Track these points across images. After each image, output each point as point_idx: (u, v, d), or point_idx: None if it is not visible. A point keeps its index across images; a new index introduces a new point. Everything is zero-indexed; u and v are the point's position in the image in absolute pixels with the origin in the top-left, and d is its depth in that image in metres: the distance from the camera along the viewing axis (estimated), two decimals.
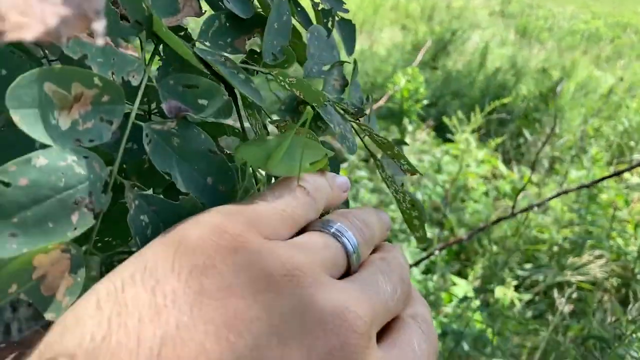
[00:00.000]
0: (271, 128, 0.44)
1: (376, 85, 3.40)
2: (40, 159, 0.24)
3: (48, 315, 0.25)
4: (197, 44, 0.37)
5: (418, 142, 2.13)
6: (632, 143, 2.99)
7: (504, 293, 1.61)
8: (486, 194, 2.29)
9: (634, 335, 1.01)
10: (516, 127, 3.23)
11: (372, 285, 0.28)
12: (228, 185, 0.33)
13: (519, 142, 3.17)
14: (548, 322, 1.40)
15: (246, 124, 0.41)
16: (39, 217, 0.24)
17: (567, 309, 1.67)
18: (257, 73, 0.39)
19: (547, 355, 1.54)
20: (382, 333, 0.29)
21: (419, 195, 1.78)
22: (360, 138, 0.44)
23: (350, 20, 0.49)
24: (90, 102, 0.27)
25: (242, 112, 0.39)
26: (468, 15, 6.18)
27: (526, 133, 3.10)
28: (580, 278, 1.79)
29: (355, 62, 0.45)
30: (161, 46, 0.35)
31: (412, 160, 1.83)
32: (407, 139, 1.76)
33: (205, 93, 0.33)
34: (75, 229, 0.25)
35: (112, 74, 0.29)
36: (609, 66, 4.90)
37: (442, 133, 2.53)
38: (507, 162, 2.90)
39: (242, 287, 0.24)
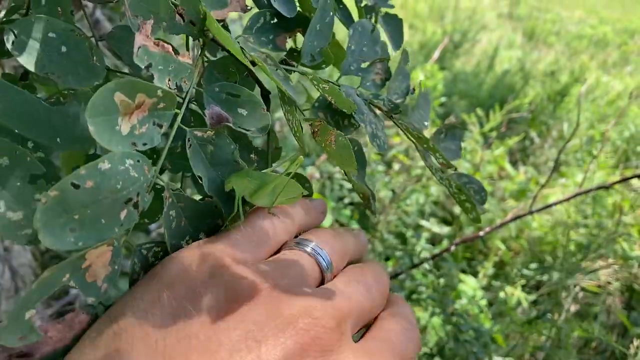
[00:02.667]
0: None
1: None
2: (105, 163, 0.26)
3: (89, 300, 0.28)
4: (241, 38, 0.39)
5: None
6: (638, 148, 3.00)
7: (512, 293, 1.63)
8: (492, 194, 2.30)
9: None
10: (523, 129, 3.24)
11: (344, 290, 0.32)
12: None
13: (525, 144, 3.17)
14: (552, 322, 1.41)
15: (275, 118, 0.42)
16: (95, 215, 0.26)
17: (573, 308, 1.69)
18: (292, 72, 0.41)
19: (550, 355, 1.55)
20: (366, 332, 0.32)
21: (433, 191, 1.79)
22: (403, 131, 0.45)
23: (396, 15, 0.50)
24: (148, 109, 0.29)
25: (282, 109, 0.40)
26: (476, 16, 6.17)
27: (533, 135, 3.11)
28: (586, 280, 1.81)
29: (404, 51, 0.46)
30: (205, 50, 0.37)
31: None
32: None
33: (245, 103, 0.36)
34: (122, 225, 0.27)
35: (169, 80, 0.31)
36: (616, 71, 4.90)
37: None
38: (513, 164, 2.91)
39: (218, 305, 0.28)
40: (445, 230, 1.80)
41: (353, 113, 0.40)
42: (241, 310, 0.27)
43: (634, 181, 2.41)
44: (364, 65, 0.45)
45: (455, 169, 0.48)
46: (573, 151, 2.95)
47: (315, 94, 0.44)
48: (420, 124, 0.46)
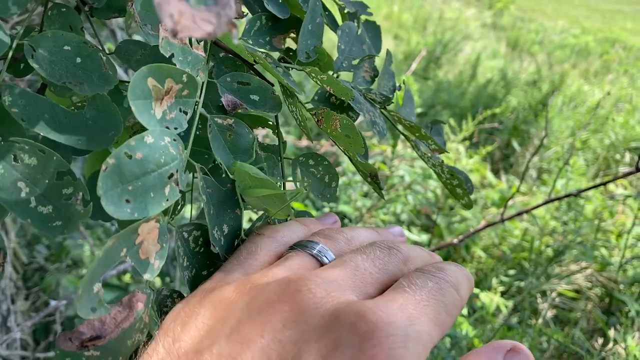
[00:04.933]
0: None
1: None
2: (149, 137, 0.29)
3: (145, 276, 0.30)
4: (241, 41, 0.42)
5: (409, 149, 2.17)
6: (617, 156, 3.05)
7: (491, 299, 1.65)
8: (475, 202, 2.33)
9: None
10: (505, 138, 3.29)
11: (340, 261, 0.31)
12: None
13: (507, 153, 3.22)
14: (531, 327, 1.43)
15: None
16: (145, 188, 0.28)
17: (549, 314, 1.71)
18: (291, 69, 0.44)
19: None
20: None
21: (410, 199, 1.81)
22: (392, 122, 0.47)
23: (374, 22, 0.53)
24: (175, 95, 0.32)
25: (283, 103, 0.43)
26: (460, 26, 6.25)
27: (515, 144, 3.15)
28: (564, 286, 1.83)
29: (388, 52, 0.49)
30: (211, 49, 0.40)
31: (404, 166, 1.87)
32: (399, 146, 1.79)
33: (256, 90, 0.39)
34: (167, 200, 0.30)
35: (187, 70, 0.34)
36: (597, 80, 4.98)
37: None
38: (495, 172, 2.95)
39: (210, 317, 0.28)
40: (424, 238, 1.82)
41: (350, 102, 0.42)
42: (231, 304, 0.28)
43: (613, 188, 2.45)
44: (354, 62, 0.47)
45: (448, 152, 0.51)
46: (555, 159, 3.00)
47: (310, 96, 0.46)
48: (408, 118, 0.49)
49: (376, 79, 0.48)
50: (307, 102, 0.44)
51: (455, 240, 1.07)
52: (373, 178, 0.45)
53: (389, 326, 0.25)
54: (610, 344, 1.47)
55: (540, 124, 3.33)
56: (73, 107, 0.35)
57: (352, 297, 0.28)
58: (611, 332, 1.55)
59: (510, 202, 2.30)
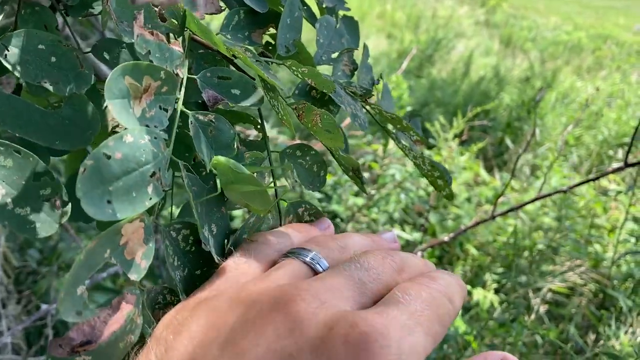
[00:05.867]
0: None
1: None
2: (128, 136, 0.29)
3: (132, 277, 0.29)
4: (219, 36, 0.42)
5: None
6: (610, 152, 3.06)
7: (484, 295, 1.65)
8: (469, 200, 2.34)
9: None
10: (499, 135, 3.29)
11: (333, 270, 0.31)
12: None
13: (502, 150, 3.22)
14: (524, 324, 1.44)
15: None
16: (127, 187, 0.28)
17: (542, 309, 1.71)
18: (271, 63, 0.43)
19: (524, 357, 1.57)
20: None
21: (402, 198, 1.81)
22: (372, 115, 0.47)
23: (352, 17, 0.53)
24: (154, 93, 0.32)
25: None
26: (453, 24, 6.25)
27: (508, 141, 3.16)
28: (557, 283, 1.84)
29: (365, 46, 0.49)
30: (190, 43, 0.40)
31: (395, 165, 1.87)
32: (390, 145, 1.79)
33: (236, 84, 0.39)
34: (151, 199, 0.29)
35: (166, 67, 0.34)
36: (590, 77, 4.99)
37: (426, 140, 2.57)
38: (489, 170, 2.95)
39: (203, 326, 0.28)
40: (417, 236, 1.82)
41: (332, 95, 0.42)
42: (223, 315, 0.28)
43: (606, 184, 2.46)
44: (334, 55, 0.47)
45: (431, 144, 0.50)
46: (546, 156, 3.00)
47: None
48: (388, 109, 0.49)
49: (355, 72, 0.48)
50: (287, 97, 0.44)
51: (446, 238, 1.07)
52: (355, 172, 0.46)
53: (383, 338, 0.25)
54: (602, 340, 1.47)
55: (533, 120, 3.33)
56: (50, 107, 0.35)
57: (346, 307, 0.28)
58: (605, 328, 1.56)
59: (504, 199, 2.31)
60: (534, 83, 4.02)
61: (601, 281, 1.94)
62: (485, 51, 5.42)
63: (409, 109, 2.12)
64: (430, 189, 1.97)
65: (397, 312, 0.27)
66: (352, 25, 0.52)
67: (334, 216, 1.77)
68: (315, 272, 0.32)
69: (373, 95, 0.47)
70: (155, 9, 0.35)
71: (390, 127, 0.48)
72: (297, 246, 0.35)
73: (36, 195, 0.32)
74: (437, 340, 0.27)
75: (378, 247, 0.37)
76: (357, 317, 0.26)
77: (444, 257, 2.08)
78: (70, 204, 0.33)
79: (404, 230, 1.87)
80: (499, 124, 3.37)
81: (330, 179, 1.78)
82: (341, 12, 0.53)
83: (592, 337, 1.65)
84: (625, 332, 1.52)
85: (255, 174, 0.38)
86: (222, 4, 0.43)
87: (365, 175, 1.92)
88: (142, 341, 0.32)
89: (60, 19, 0.40)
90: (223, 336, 0.26)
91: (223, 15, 0.43)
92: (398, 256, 0.33)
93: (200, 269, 0.35)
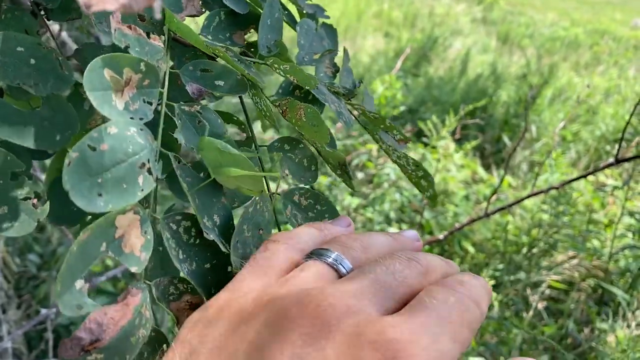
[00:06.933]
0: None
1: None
2: (112, 128, 0.29)
3: (133, 269, 0.29)
4: (200, 37, 0.42)
5: None
6: (608, 147, 3.06)
7: None
8: (467, 197, 2.34)
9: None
10: (496, 133, 3.30)
11: (359, 273, 0.30)
12: None
13: (499, 147, 3.23)
14: (516, 324, 1.44)
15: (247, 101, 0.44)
16: (117, 179, 0.28)
17: (540, 306, 1.72)
18: (253, 63, 0.44)
19: (522, 352, 1.58)
20: None
21: (397, 197, 1.82)
22: (356, 117, 0.47)
23: (331, 25, 0.53)
24: (136, 86, 0.32)
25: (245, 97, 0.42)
26: (450, 22, 6.26)
27: (505, 138, 3.16)
28: (555, 278, 1.84)
29: (345, 50, 0.49)
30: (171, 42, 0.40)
31: (390, 164, 1.87)
32: None
33: (219, 75, 0.38)
34: (142, 190, 0.30)
35: (146, 60, 0.34)
36: (587, 72, 4.99)
37: (422, 138, 2.58)
38: (487, 167, 2.96)
39: (227, 329, 0.28)
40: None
41: (314, 92, 0.42)
42: (249, 324, 0.28)
43: (603, 179, 2.47)
44: (315, 56, 0.48)
45: (411, 141, 0.51)
46: (543, 152, 3.01)
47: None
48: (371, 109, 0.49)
49: (337, 75, 0.48)
50: (270, 96, 0.44)
51: (440, 236, 1.08)
52: (342, 168, 0.45)
53: (412, 345, 0.25)
54: (600, 334, 1.48)
55: (531, 117, 3.34)
56: (32, 107, 0.35)
57: (373, 312, 0.27)
58: (602, 323, 1.56)
59: (502, 197, 2.31)
60: (531, 80, 4.03)
61: (599, 276, 1.94)
62: (482, 48, 5.43)
63: (402, 108, 2.13)
64: None
65: (424, 318, 0.26)
66: (331, 33, 0.53)
67: None
68: (339, 274, 0.31)
69: (356, 95, 0.47)
70: (111, 16, 0.36)
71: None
72: (319, 246, 0.34)
73: (13, 195, 0.32)
74: (464, 346, 0.27)
75: (401, 247, 0.36)
76: (384, 323, 0.25)
77: (442, 255, 2.08)
78: (48, 202, 0.33)
79: (400, 229, 1.87)
80: (496, 121, 3.37)
81: (325, 180, 1.78)
82: (321, 20, 0.54)
83: (593, 332, 1.65)
84: (622, 327, 1.52)
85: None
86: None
87: (361, 175, 1.93)
88: (164, 340, 0.32)
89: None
90: (247, 341, 0.26)
91: (204, 17, 0.43)
92: (423, 258, 0.32)
93: (210, 262, 0.35)
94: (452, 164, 2.27)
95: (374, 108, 0.51)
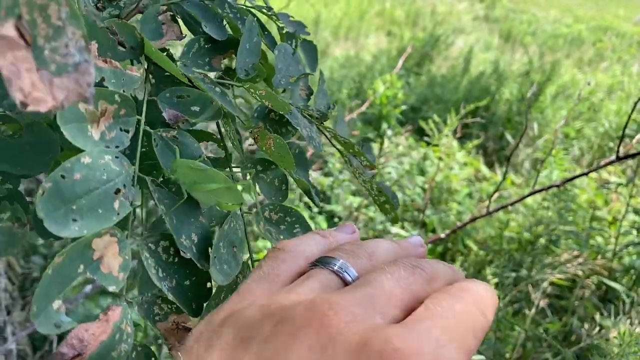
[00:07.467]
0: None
1: (362, 91, 3.44)
2: (86, 158, 0.30)
3: (110, 288, 0.31)
4: (179, 63, 0.43)
5: (401, 147, 2.18)
6: (611, 144, 3.05)
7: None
8: (470, 195, 2.34)
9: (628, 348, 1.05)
10: (499, 131, 3.29)
11: (364, 281, 0.30)
12: None
13: (502, 145, 3.22)
14: (525, 317, 1.44)
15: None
16: (91, 205, 0.30)
17: (542, 303, 1.72)
18: (231, 87, 0.45)
19: (526, 349, 1.58)
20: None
21: (400, 196, 1.82)
22: (328, 138, 0.48)
23: (311, 41, 0.55)
24: (112, 116, 0.33)
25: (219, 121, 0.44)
26: (452, 20, 6.25)
27: (508, 136, 3.16)
28: (558, 276, 1.84)
29: (321, 72, 0.51)
30: (152, 67, 0.41)
31: (392, 163, 1.87)
32: (386, 143, 1.80)
33: (195, 101, 0.40)
34: (118, 214, 0.31)
35: (123, 91, 0.35)
36: (591, 69, 4.98)
37: (424, 137, 2.59)
38: (490, 165, 2.95)
39: (233, 339, 0.28)
40: (415, 233, 1.83)
41: (288, 117, 0.43)
42: (253, 337, 0.28)
43: (607, 176, 2.46)
44: (291, 79, 0.49)
45: (378, 168, 0.52)
46: (545, 150, 3.00)
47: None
48: (342, 134, 0.50)
49: (312, 97, 0.50)
50: (247, 120, 0.46)
51: (442, 235, 1.08)
52: (308, 193, 0.48)
53: (418, 354, 0.25)
54: (601, 331, 1.47)
55: (533, 115, 3.33)
56: (15, 135, 0.36)
57: (379, 320, 0.27)
58: (605, 321, 1.56)
59: (505, 194, 2.31)
60: (534, 77, 4.02)
61: (603, 274, 1.94)
62: (484, 46, 5.42)
63: (404, 107, 2.14)
64: (426, 186, 1.98)
65: (430, 327, 0.26)
66: (310, 50, 0.55)
67: (332, 215, 1.79)
68: (344, 282, 0.31)
69: (329, 119, 0.49)
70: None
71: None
72: (324, 254, 0.34)
73: None
74: (470, 354, 0.27)
75: (406, 253, 0.36)
76: (390, 332, 0.26)
77: (446, 254, 2.08)
78: (27, 225, 0.34)
79: (403, 227, 1.88)
80: (498, 119, 3.37)
81: (327, 180, 1.79)
82: (302, 37, 0.55)
83: (596, 330, 1.65)
84: (624, 324, 1.52)
85: None
86: (186, 30, 0.45)
87: None
88: (147, 348, 0.33)
89: None
90: (253, 352, 0.26)
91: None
92: (428, 265, 0.32)
93: (189, 279, 0.36)
94: (454, 162, 2.28)
95: (345, 129, 0.53)
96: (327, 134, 0.48)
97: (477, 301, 0.29)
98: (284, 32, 0.52)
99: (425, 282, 0.31)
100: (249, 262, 0.42)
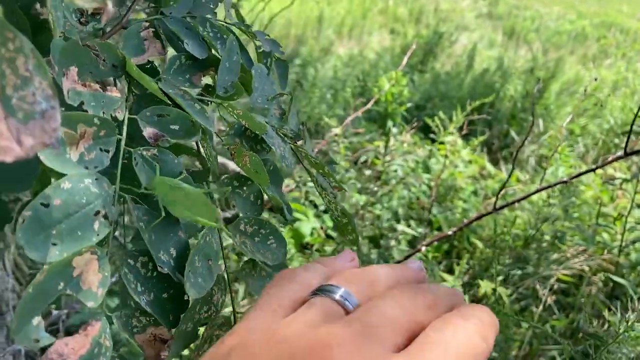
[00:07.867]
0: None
1: (366, 89, 3.44)
2: (66, 183, 0.31)
3: (89, 304, 0.31)
4: (161, 79, 0.45)
5: (405, 144, 2.18)
6: (616, 140, 3.05)
7: (492, 288, 1.66)
8: (475, 193, 2.34)
9: (626, 334, 1.05)
10: (504, 128, 3.29)
11: (366, 309, 0.30)
12: None
13: (507, 142, 3.22)
14: (533, 314, 1.44)
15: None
16: (71, 228, 0.30)
17: (550, 300, 1.71)
18: (210, 103, 0.46)
19: (533, 347, 1.58)
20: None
21: (405, 193, 1.82)
22: (299, 158, 0.50)
23: (285, 60, 0.57)
24: (92, 137, 0.34)
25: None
26: (456, 17, 6.24)
27: (513, 133, 3.15)
28: (564, 272, 1.84)
29: (291, 94, 0.53)
30: (133, 84, 0.43)
31: (398, 160, 1.87)
32: (392, 141, 1.80)
33: (175, 120, 0.41)
34: (98, 234, 0.32)
35: (103, 112, 0.36)
36: (595, 65, 4.96)
37: (429, 134, 2.58)
38: (495, 162, 2.95)
39: None
40: (421, 231, 1.83)
41: (264, 137, 0.45)
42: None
43: (612, 172, 2.45)
44: (268, 98, 0.51)
45: (346, 190, 0.55)
46: (551, 146, 2.99)
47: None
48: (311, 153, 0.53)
49: (284, 116, 0.52)
50: (225, 136, 0.47)
51: (449, 232, 1.08)
52: (280, 210, 0.50)
53: None
54: (609, 327, 1.47)
55: (538, 111, 3.33)
56: None
57: (382, 350, 0.28)
58: (612, 317, 1.56)
59: (511, 191, 2.31)
60: (538, 74, 4.01)
61: (610, 270, 1.94)
62: (488, 43, 5.41)
63: (409, 105, 2.14)
64: (432, 183, 1.97)
65: (432, 355, 0.27)
66: (282, 68, 0.57)
67: None
68: (346, 310, 0.31)
69: (302, 139, 0.51)
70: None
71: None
72: (325, 282, 0.34)
73: None
74: None
75: (406, 279, 0.36)
76: None
77: (452, 251, 2.08)
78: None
79: (409, 225, 1.88)
80: (503, 116, 3.36)
81: None
82: (276, 55, 0.56)
83: (602, 326, 1.64)
84: (628, 320, 1.52)
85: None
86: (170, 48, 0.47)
87: (368, 172, 1.93)
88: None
89: None
90: None
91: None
92: (429, 290, 0.33)
93: (167, 292, 0.37)
94: (459, 160, 2.27)
95: (313, 153, 0.55)
96: (298, 154, 0.49)
97: (479, 328, 0.30)
98: (260, 51, 0.54)
99: (427, 308, 0.31)
100: (225, 274, 0.44)
